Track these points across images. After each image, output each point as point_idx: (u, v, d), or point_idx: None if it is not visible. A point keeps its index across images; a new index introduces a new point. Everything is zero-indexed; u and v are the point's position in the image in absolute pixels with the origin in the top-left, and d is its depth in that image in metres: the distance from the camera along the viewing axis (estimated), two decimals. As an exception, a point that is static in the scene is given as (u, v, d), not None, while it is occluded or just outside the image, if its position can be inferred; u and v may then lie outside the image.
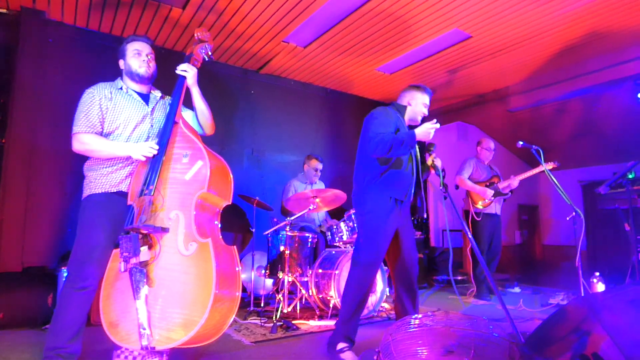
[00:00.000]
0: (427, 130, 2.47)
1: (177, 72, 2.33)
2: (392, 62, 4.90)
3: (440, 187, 2.53)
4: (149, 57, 2.32)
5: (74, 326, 2.08)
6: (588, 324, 1.69)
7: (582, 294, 3.10)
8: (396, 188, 2.57)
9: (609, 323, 1.61)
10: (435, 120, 2.52)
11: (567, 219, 3.71)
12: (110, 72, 2.49)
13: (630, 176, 3.74)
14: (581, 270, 3.30)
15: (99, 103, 2.20)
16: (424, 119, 2.74)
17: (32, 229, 3.62)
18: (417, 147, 2.73)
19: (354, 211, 3.71)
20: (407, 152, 2.57)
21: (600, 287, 3.80)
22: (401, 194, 2.59)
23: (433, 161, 2.62)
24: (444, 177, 2.55)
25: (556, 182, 3.17)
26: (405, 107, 2.77)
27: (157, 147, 2.13)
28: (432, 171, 2.68)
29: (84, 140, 2.16)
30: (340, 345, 2.46)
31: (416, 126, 2.63)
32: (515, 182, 4.41)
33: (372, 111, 2.70)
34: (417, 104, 2.76)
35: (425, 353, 1.76)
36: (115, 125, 2.23)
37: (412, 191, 2.70)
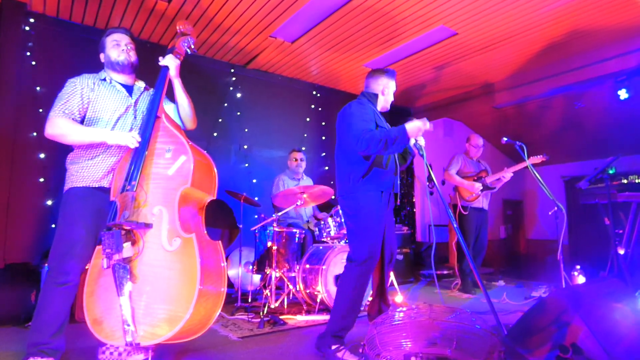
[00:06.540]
0: (417, 127, 2.29)
1: (160, 63, 2.31)
2: (379, 59, 4.92)
3: (427, 183, 2.48)
4: (128, 46, 2.30)
5: (57, 322, 2.06)
6: (567, 315, 1.74)
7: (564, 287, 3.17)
8: (383, 182, 2.50)
9: (586, 314, 1.66)
10: (425, 119, 2.37)
11: (550, 213, 3.79)
12: (94, 65, 2.45)
13: (610, 171, 3.81)
14: (563, 263, 3.37)
15: (81, 93, 2.17)
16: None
17: (15, 225, 3.56)
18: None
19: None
20: (400, 149, 2.42)
21: (581, 279, 3.89)
22: (388, 186, 2.54)
23: (416, 141, 2.39)
24: (430, 166, 2.38)
25: (539, 177, 3.23)
26: (377, 95, 2.62)
27: (139, 138, 2.10)
28: (416, 152, 2.46)
29: (57, 124, 2.10)
30: (334, 346, 2.34)
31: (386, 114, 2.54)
32: (508, 174, 4.42)
33: (346, 106, 2.54)
34: (389, 92, 2.64)
35: (409, 345, 1.79)
36: (97, 116, 2.19)
37: (398, 183, 2.62)
